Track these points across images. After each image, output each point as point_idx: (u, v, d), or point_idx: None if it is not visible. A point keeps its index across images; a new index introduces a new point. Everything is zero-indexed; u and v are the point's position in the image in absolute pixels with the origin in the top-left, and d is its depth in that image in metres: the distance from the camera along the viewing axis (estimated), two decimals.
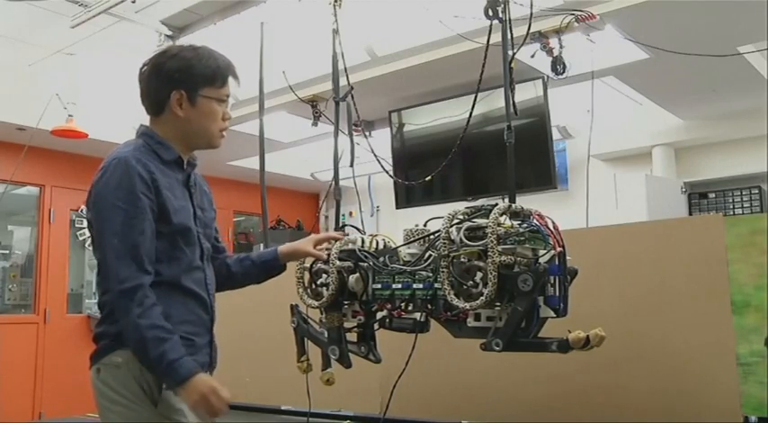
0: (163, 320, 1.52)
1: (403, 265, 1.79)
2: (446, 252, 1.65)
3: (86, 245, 5.72)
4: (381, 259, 1.83)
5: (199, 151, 1.80)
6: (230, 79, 1.73)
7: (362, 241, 1.90)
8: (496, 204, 1.65)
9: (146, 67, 1.72)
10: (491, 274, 1.57)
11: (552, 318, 1.64)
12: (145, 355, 1.50)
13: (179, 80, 1.66)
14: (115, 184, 1.55)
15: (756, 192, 4.62)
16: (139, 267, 1.53)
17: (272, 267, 1.90)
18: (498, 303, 1.63)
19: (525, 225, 1.62)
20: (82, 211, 5.63)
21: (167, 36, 3.98)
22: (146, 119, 1.77)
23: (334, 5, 2.20)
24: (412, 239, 1.84)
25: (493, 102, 3.34)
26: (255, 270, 1.90)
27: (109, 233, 1.54)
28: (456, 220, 1.68)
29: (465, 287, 1.63)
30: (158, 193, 1.59)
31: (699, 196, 4.83)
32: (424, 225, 1.85)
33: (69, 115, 4.54)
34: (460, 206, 1.77)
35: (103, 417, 1.58)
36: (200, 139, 1.72)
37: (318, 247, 1.89)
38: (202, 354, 1.68)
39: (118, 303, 1.53)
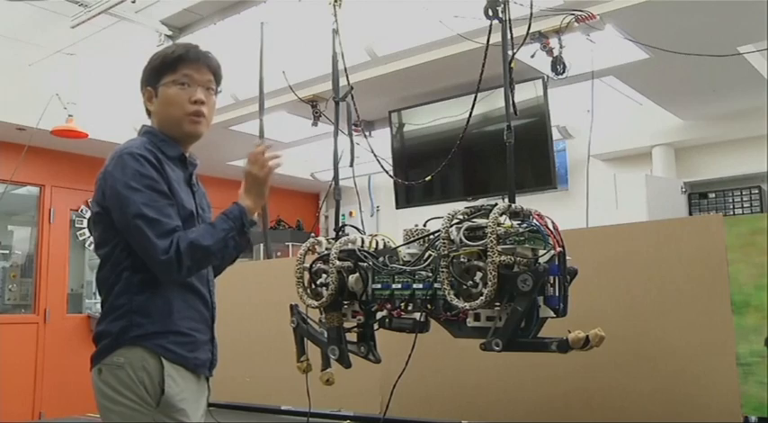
0: (195, 232, 1.61)
1: (403, 265, 1.79)
2: (446, 252, 1.65)
3: (86, 245, 5.72)
4: (381, 259, 1.82)
5: (198, 151, 1.81)
6: (187, 61, 1.72)
7: (362, 241, 1.90)
8: (496, 204, 1.65)
9: None
10: (491, 273, 1.57)
11: (552, 318, 1.64)
12: (227, 246, 1.64)
13: (144, 78, 1.76)
14: (131, 174, 1.57)
15: (756, 192, 4.61)
16: (169, 232, 1.56)
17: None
18: (498, 303, 1.62)
19: (525, 225, 1.62)
20: (82, 211, 5.63)
21: (167, 36, 3.98)
22: (145, 120, 1.80)
23: (334, 5, 2.20)
24: (412, 239, 1.84)
25: (493, 102, 3.33)
26: None
27: (133, 216, 1.55)
28: (456, 220, 1.68)
29: (465, 287, 1.63)
30: (169, 183, 1.63)
31: (699, 196, 4.83)
32: (424, 225, 1.85)
33: (69, 115, 4.54)
34: (460, 206, 1.77)
35: (105, 417, 1.58)
36: (171, 128, 1.74)
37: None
38: (204, 350, 1.68)
39: (170, 268, 1.56)
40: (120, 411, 1.54)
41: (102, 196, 1.62)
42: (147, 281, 1.60)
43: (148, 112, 1.77)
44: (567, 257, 1.62)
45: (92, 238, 5.69)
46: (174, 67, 1.71)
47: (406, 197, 4.66)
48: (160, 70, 1.72)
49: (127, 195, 1.56)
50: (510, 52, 1.86)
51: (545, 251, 1.62)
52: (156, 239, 1.54)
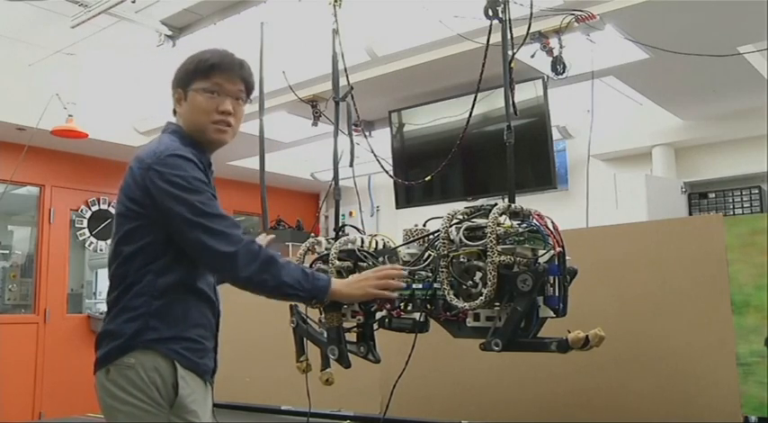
0: (283, 259, 1.61)
1: (402, 265, 1.79)
2: (445, 252, 1.65)
3: (86, 245, 5.72)
4: (381, 259, 1.83)
5: None
6: (220, 70, 1.71)
7: (362, 241, 1.90)
8: (496, 204, 1.65)
9: None
10: (490, 274, 1.57)
11: (552, 318, 1.64)
12: (288, 295, 1.63)
13: (176, 79, 1.74)
14: (184, 175, 1.57)
15: (756, 192, 4.62)
16: (238, 227, 1.58)
17: None
18: (498, 303, 1.63)
19: (525, 225, 1.62)
20: (82, 211, 5.63)
21: (167, 36, 3.98)
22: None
23: (334, 5, 2.20)
24: (411, 239, 1.84)
25: (493, 102, 3.34)
26: None
27: (197, 211, 1.55)
28: (455, 220, 1.68)
29: (464, 287, 1.63)
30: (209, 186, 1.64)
31: (699, 196, 4.83)
32: (424, 225, 1.85)
33: (69, 115, 4.54)
34: (460, 206, 1.77)
35: (111, 417, 1.56)
36: (196, 133, 1.72)
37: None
38: (209, 358, 1.67)
39: (234, 261, 1.55)
40: (128, 411, 1.53)
41: (144, 193, 1.58)
42: (169, 286, 1.59)
43: (174, 112, 1.77)
44: (567, 257, 1.63)
45: (92, 239, 5.70)
46: (206, 75, 1.70)
47: (406, 197, 4.66)
48: (192, 75, 1.71)
49: (185, 196, 1.55)
50: (510, 52, 1.86)
51: (545, 251, 1.62)
52: (225, 229, 1.55)
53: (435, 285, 1.70)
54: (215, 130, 1.71)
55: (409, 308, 1.77)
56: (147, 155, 1.61)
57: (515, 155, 1.82)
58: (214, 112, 1.70)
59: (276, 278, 1.58)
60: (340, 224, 2.04)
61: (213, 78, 1.70)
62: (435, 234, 1.73)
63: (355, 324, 1.90)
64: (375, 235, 1.93)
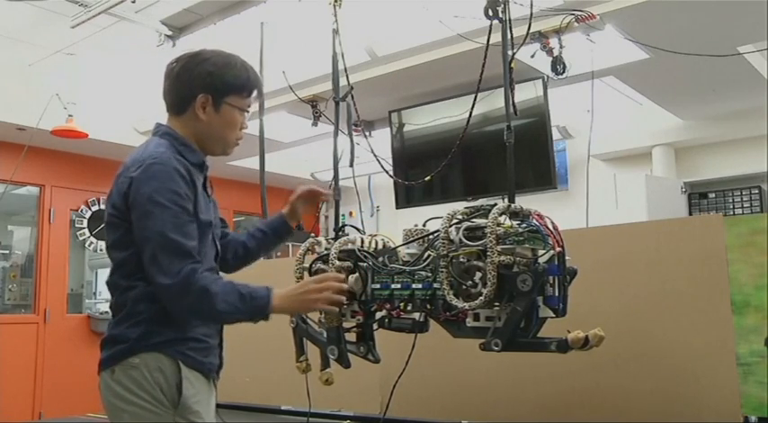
0: (219, 286, 1.55)
1: (402, 265, 1.79)
2: (445, 252, 1.65)
3: (86, 245, 5.73)
4: (380, 259, 1.82)
5: None
6: (258, 93, 1.76)
7: (362, 241, 1.90)
8: (496, 204, 1.65)
9: (176, 65, 1.70)
10: (490, 274, 1.57)
11: (552, 318, 1.64)
12: (228, 321, 1.65)
13: (209, 84, 1.67)
14: (159, 187, 1.54)
15: (756, 192, 4.62)
16: (186, 258, 1.53)
17: (284, 232, 2.03)
18: (497, 303, 1.62)
19: (524, 225, 1.62)
20: (82, 211, 5.64)
21: (167, 36, 3.98)
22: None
23: (334, 5, 2.20)
24: (411, 239, 1.84)
25: (493, 102, 3.34)
26: (269, 238, 2.02)
27: (155, 231, 1.52)
28: (455, 220, 1.68)
29: (464, 287, 1.63)
30: (196, 196, 1.62)
31: (699, 196, 4.83)
32: (424, 225, 1.85)
33: (69, 115, 4.54)
34: (460, 206, 1.77)
35: (114, 417, 1.57)
36: (216, 144, 1.74)
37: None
38: (214, 355, 1.68)
39: (171, 293, 1.52)
40: (132, 411, 1.53)
41: (124, 201, 1.58)
42: None
43: (178, 111, 1.70)
44: (567, 257, 1.63)
45: (92, 239, 5.70)
46: (249, 93, 1.72)
47: (406, 197, 4.66)
48: (233, 88, 1.69)
49: (152, 210, 1.53)
50: (510, 52, 1.86)
51: (545, 251, 1.62)
52: (166, 260, 1.51)
53: (435, 285, 1.70)
54: (232, 146, 1.77)
55: (409, 308, 1.77)
56: (133, 162, 1.60)
57: (515, 155, 1.82)
58: (238, 130, 1.75)
59: (211, 309, 1.54)
60: (340, 224, 2.04)
61: (250, 99, 1.73)
62: (435, 234, 1.73)
63: (355, 324, 1.90)
64: (375, 235, 1.93)
